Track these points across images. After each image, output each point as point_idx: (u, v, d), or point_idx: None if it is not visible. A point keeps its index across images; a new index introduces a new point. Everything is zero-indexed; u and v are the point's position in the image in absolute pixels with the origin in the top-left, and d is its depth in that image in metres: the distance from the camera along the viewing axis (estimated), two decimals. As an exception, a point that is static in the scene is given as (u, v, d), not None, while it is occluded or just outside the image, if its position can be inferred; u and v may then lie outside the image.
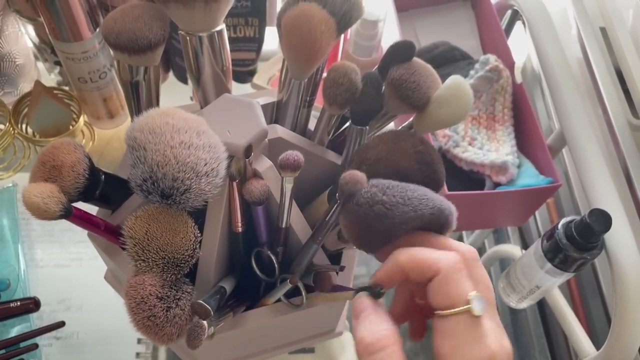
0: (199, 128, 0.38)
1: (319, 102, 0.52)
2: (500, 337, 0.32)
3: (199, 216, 0.41)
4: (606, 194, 0.53)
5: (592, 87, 0.69)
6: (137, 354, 0.65)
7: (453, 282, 0.32)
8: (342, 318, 0.56)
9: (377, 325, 0.33)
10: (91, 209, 0.45)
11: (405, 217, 0.35)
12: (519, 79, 0.72)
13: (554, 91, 0.61)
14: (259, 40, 0.75)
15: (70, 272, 0.68)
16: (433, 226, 0.37)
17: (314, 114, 0.54)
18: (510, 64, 0.71)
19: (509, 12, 0.81)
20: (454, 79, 0.45)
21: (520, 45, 0.87)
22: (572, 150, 0.59)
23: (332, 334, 0.56)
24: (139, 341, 0.66)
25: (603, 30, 0.70)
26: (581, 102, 0.60)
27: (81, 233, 0.72)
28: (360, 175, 0.38)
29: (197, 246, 0.39)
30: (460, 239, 0.78)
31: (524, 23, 0.81)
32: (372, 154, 0.41)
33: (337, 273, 0.47)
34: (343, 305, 0.52)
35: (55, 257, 0.69)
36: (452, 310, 0.32)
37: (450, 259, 0.33)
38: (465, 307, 0.31)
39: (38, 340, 0.60)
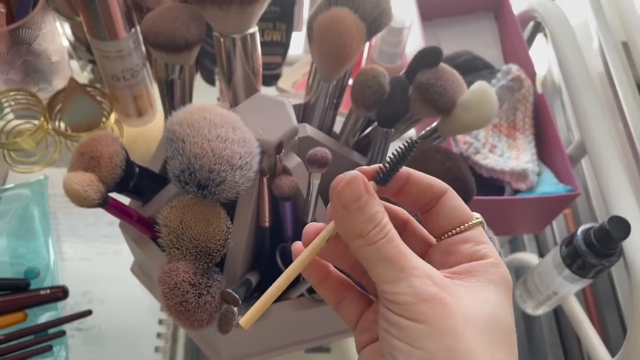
0: (235, 123, 0.40)
1: (344, 106, 0.53)
2: None
3: (228, 209, 0.43)
4: (625, 202, 0.54)
5: (613, 100, 0.69)
6: (156, 348, 0.66)
7: (458, 197, 0.31)
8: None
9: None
10: (124, 200, 0.47)
11: None
12: (540, 89, 0.73)
13: (576, 102, 0.63)
14: (285, 45, 0.77)
15: (94, 266, 0.70)
16: None
17: (339, 118, 0.56)
18: (531, 75, 0.72)
19: (532, 23, 0.82)
20: (480, 84, 0.46)
21: (542, 56, 0.88)
22: (592, 159, 0.60)
23: (350, 332, 0.57)
24: (159, 335, 0.67)
25: (625, 44, 0.71)
26: (602, 113, 0.61)
27: (105, 228, 0.74)
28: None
29: (229, 236, 0.40)
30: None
31: (545, 35, 0.82)
32: None
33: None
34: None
35: (79, 251, 0.71)
36: (473, 221, 0.30)
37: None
38: (478, 218, 0.30)
39: (66, 336, 0.61)
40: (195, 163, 0.37)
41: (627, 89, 0.66)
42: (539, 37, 0.86)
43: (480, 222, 0.30)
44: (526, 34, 0.85)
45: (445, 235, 0.30)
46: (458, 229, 0.30)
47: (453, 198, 0.30)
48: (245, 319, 0.29)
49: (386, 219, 0.28)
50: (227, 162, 0.38)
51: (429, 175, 0.30)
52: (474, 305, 0.26)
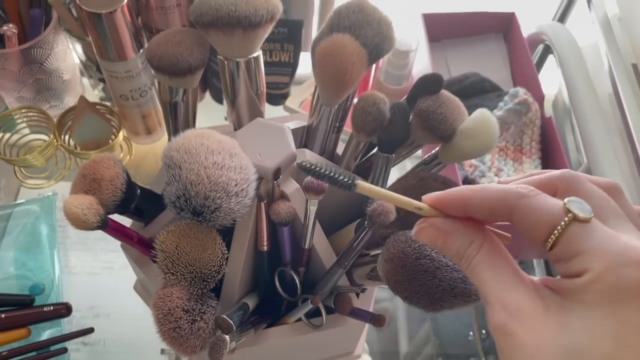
0: (232, 150, 0.40)
1: (348, 127, 0.53)
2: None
3: (226, 234, 0.43)
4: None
5: (621, 123, 0.69)
6: (160, 365, 0.67)
7: (537, 203, 0.25)
8: (361, 340, 0.57)
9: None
10: (126, 221, 0.48)
11: (453, 284, 0.35)
12: (548, 112, 0.72)
13: (582, 126, 0.62)
14: (293, 65, 0.77)
15: (101, 280, 0.71)
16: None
17: (343, 139, 0.56)
18: (540, 98, 0.71)
19: (542, 45, 0.82)
20: (480, 112, 0.46)
21: (553, 77, 0.87)
22: (599, 186, 0.59)
23: (351, 356, 0.57)
24: (162, 351, 0.67)
25: (635, 66, 0.70)
26: (609, 138, 0.61)
27: (113, 242, 0.74)
28: (389, 206, 0.40)
29: (224, 262, 0.40)
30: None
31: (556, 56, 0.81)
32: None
33: (357, 296, 0.48)
34: (362, 327, 0.53)
35: (87, 265, 0.72)
36: (557, 230, 0.24)
37: (522, 187, 0.26)
38: (568, 216, 0.24)
39: (67, 344, 0.62)
40: (191, 190, 0.38)
41: (635, 111, 0.65)
42: (550, 58, 0.86)
43: (573, 219, 0.24)
44: (537, 55, 0.85)
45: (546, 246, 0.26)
46: (550, 242, 0.25)
47: (524, 213, 0.26)
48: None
49: (471, 247, 0.27)
50: (223, 189, 0.38)
51: (489, 196, 0.27)
52: (550, 335, 0.24)
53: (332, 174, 0.29)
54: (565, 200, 0.25)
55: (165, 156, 0.39)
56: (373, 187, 0.29)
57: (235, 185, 0.39)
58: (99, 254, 0.73)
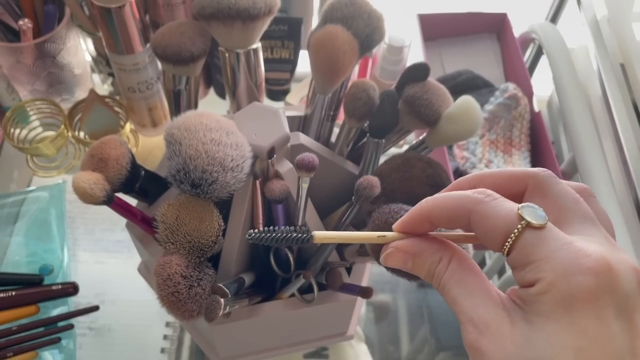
0: (229, 129, 0.43)
1: (341, 118, 0.56)
2: (609, 246, 0.25)
3: (224, 208, 0.46)
4: (610, 215, 0.55)
5: (609, 121, 0.71)
6: (162, 349, 0.69)
7: (492, 210, 0.26)
8: (353, 321, 0.59)
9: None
10: (131, 202, 0.50)
11: None
12: (537, 108, 0.74)
13: (567, 119, 0.64)
14: (293, 62, 0.81)
15: (108, 269, 0.74)
16: None
17: (337, 129, 0.59)
18: (529, 94, 0.74)
19: (537, 45, 0.85)
20: (464, 98, 0.48)
21: (548, 77, 0.90)
22: (582, 175, 0.61)
23: (344, 336, 0.59)
24: (165, 337, 0.70)
25: (622, 66, 0.73)
26: (594, 132, 0.63)
27: (120, 233, 0.77)
28: (374, 179, 0.43)
29: (221, 234, 0.43)
30: (479, 260, 0.81)
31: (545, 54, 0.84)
32: (387, 184, 0.45)
33: (348, 272, 0.51)
34: (353, 305, 0.55)
35: (94, 255, 0.75)
36: (510, 238, 0.25)
37: (479, 192, 0.27)
38: (522, 223, 0.25)
39: (74, 330, 0.64)
40: (190, 164, 0.41)
41: (622, 110, 0.67)
42: (544, 58, 0.88)
43: (526, 226, 0.25)
44: (531, 54, 0.87)
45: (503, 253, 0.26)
46: (506, 248, 0.25)
47: (480, 219, 0.26)
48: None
49: (440, 265, 0.28)
50: (220, 163, 0.41)
51: (447, 205, 0.27)
52: (515, 350, 0.24)
53: (285, 235, 0.29)
54: (519, 206, 0.25)
55: (166, 133, 0.42)
56: (330, 233, 0.30)
57: (231, 160, 0.42)
58: (105, 245, 0.75)
